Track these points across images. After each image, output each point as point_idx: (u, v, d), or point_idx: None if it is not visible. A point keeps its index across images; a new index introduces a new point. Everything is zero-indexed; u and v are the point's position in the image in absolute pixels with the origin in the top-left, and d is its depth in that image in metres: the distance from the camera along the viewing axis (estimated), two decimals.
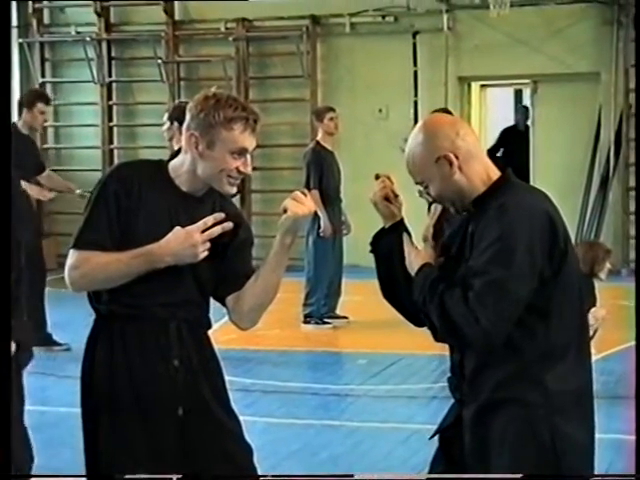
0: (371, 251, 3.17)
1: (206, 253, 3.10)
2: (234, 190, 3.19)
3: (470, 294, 2.79)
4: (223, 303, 3.30)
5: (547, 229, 2.83)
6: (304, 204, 3.11)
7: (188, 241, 3.07)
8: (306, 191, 3.22)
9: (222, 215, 3.11)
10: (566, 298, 2.89)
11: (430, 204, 8.79)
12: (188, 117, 3.14)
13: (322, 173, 9.30)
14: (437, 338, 2.93)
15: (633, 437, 4.76)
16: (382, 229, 3.17)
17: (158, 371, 3.17)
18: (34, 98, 8.33)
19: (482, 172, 2.95)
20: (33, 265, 8.15)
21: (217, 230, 3.09)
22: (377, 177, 3.17)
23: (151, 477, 3.10)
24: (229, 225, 3.12)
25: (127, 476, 3.06)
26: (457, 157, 2.91)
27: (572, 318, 2.92)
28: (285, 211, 3.11)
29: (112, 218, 3.12)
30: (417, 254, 3.05)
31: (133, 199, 3.13)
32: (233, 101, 3.11)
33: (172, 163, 3.22)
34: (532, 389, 2.85)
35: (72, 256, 3.15)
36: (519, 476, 2.83)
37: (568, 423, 2.86)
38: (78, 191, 8.48)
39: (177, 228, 3.09)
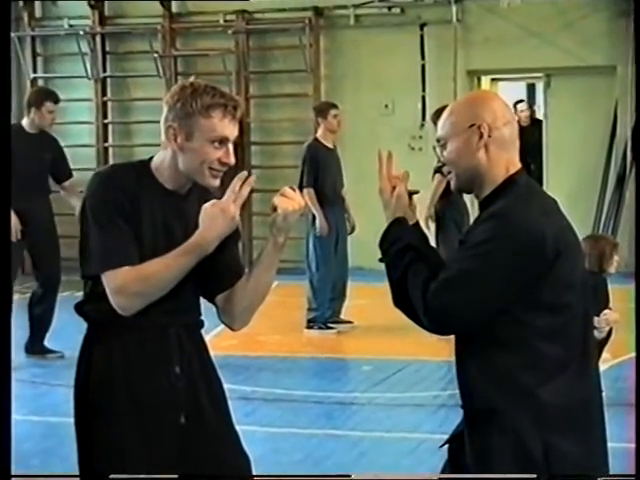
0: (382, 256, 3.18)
1: None
2: (217, 183, 3.18)
3: (431, 285, 2.86)
4: (212, 302, 3.31)
5: (531, 245, 2.82)
6: (294, 199, 3.12)
7: (227, 217, 3.06)
8: (295, 187, 3.22)
9: (245, 173, 3.10)
10: (560, 309, 2.88)
11: (434, 172, 8.84)
12: (165, 109, 3.14)
13: (318, 171, 9.32)
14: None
15: None
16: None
17: (159, 379, 3.18)
18: (43, 97, 8.35)
19: (503, 165, 2.97)
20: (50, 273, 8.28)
21: (246, 191, 3.08)
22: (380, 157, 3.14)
23: (149, 477, 3.11)
24: (253, 179, 3.11)
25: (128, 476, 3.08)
26: (490, 136, 2.95)
27: (571, 330, 2.90)
28: (275, 209, 3.12)
29: (125, 227, 3.10)
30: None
31: (130, 205, 3.12)
32: (211, 89, 3.11)
33: (154, 162, 3.22)
34: (524, 403, 2.86)
35: (112, 279, 3.07)
36: (525, 476, 2.83)
37: (564, 439, 2.85)
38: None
39: (207, 208, 3.07)
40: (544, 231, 2.85)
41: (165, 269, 3.07)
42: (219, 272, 3.24)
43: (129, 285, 3.07)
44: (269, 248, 3.18)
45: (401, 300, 2.99)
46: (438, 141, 3.06)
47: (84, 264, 3.16)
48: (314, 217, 9.32)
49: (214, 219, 3.06)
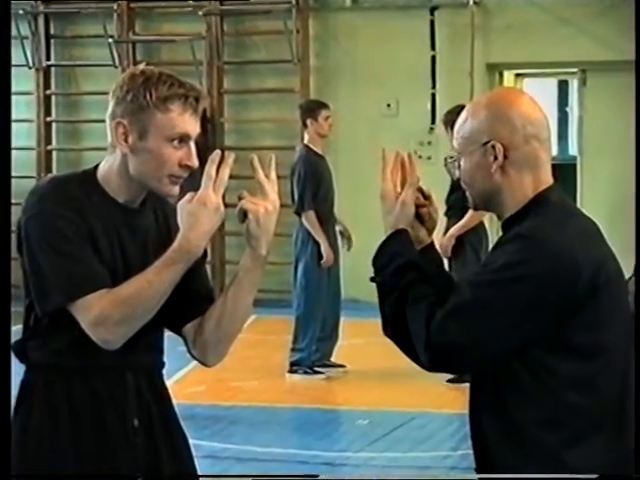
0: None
1: None
2: (177, 190, 3.18)
3: (438, 312, 2.85)
4: (179, 333, 3.30)
5: (562, 275, 2.83)
6: (266, 199, 3.12)
7: (210, 209, 3.04)
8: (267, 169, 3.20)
9: (218, 152, 3.09)
10: (595, 355, 2.88)
11: (451, 188, 8.83)
12: (112, 103, 3.14)
13: (317, 188, 9.33)
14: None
15: None
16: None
17: (114, 434, 3.18)
18: None
19: (527, 185, 2.97)
20: None
21: (226, 174, 3.07)
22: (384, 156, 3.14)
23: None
24: (232, 159, 3.11)
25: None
26: (506, 156, 2.95)
27: (607, 381, 2.91)
28: (245, 215, 3.11)
29: (86, 247, 3.09)
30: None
31: (84, 224, 3.12)
32: (167, 77, 3.12)
33: (100, 171, 3.22)
34: (548, 468, 2.85)
35: (85, 309, 3.05)
36: (585, 476, 2.83)
37: None
38: None
39: (183, 205, 3.05)
40: (580, 259, 2.85)
41: (148, 287, 3.05)
42: (186, 298, 3.22)
43: (108, 313, 3.04)
44: (248, 263, 3.16)
45: (394, 329, 2.98)
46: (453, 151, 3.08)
47: (41, 298, 3.11)
48: (306, 239, 9.30)
49: (196, 216, 3.04)
